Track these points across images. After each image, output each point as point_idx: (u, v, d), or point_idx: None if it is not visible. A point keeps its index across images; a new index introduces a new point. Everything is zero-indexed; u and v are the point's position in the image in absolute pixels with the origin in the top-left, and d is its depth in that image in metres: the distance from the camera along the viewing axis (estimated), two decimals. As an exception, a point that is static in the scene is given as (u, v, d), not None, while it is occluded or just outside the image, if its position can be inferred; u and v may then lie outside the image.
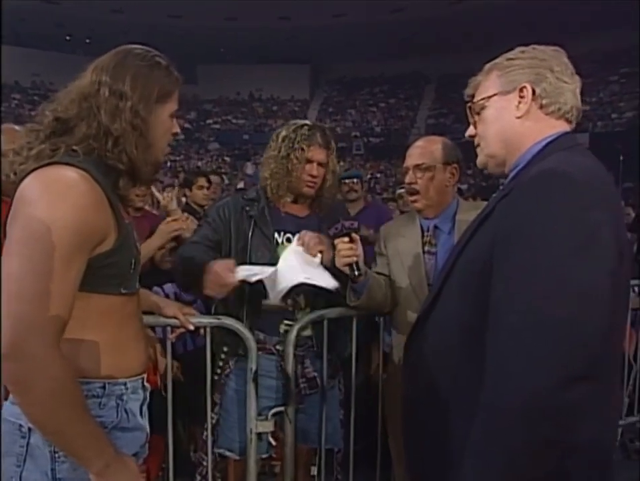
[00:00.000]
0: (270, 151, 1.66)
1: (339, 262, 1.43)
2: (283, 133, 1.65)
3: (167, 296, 2.32)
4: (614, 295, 0.78)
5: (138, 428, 1.01)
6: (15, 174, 0.90)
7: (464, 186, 11.49)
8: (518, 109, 0.98)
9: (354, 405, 1.77)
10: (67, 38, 23.27)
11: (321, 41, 22.32)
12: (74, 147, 0.90)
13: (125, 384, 0.97)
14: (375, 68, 24.65)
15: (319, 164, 1.63)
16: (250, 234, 1.61)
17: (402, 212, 3.78)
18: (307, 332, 1.62)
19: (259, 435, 1.52)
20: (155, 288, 2.26)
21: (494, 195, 1.06)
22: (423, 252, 1.62)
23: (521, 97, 0.98)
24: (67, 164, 0.87)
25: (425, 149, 1.62)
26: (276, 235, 1.63)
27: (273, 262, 1.54)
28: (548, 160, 0.90)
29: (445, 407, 0.97)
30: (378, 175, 17.16)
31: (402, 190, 3.96)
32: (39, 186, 0.84)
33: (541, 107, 0.97)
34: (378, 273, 1.68)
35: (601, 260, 0.78)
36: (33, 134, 0.93)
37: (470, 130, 1.08)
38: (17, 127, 1.68)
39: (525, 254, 0.81)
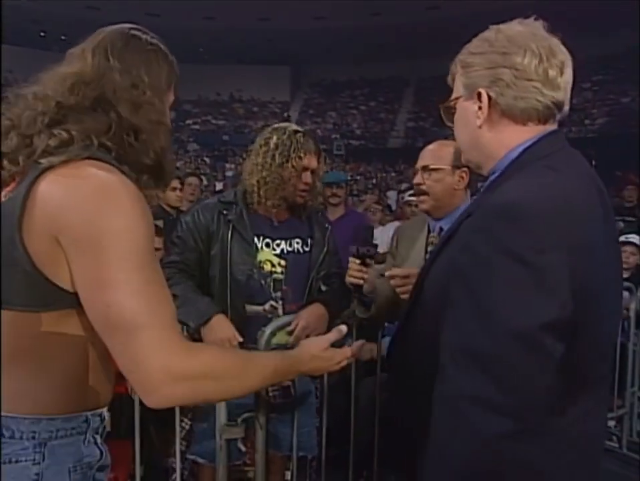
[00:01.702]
0: (258, 158, 1.60)
1: (347, 280, 1.51)
2: (274, 139, 1.59)
3: None
4: (559, 335, 0.74)
5: (108, 465, 0.89)
6: (11, 162, 0.77)
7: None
8: (478, 117, 0.88)
9: (326, 410, 1.76)
10: (42, 34, 22.76)
11: (301, 43, 22.32)
12: (93, 139, 0.77)
13: (101, 415, 0.86)
14: (355, 71, 24.76)
15: (312, 171, 1.62)
16: (229, 238, 1.58)
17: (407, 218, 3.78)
18: (283, 340, 1.60)
19: (228, 441, 1.50)
20: None
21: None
22: (427, 252, 1.65)
23: (479, 103, 0.87)
24: (91, 158, 0.75)
25: (435, 152, 1.65)
26: (255, 239, 1.61)
27: (253, 268, 1.54)
28: (509, 185, 0.81)
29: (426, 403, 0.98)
30: (358, 177, 17.21)
31: (411, 198, 3.95)
32: (87, 194, 0.72)
33: (502, 113, 0.86)
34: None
35: (545, 304, 0.74)
36: (24, 119, 0.78)
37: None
38: None
39: (468, 295, 0.78)
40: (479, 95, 0.87)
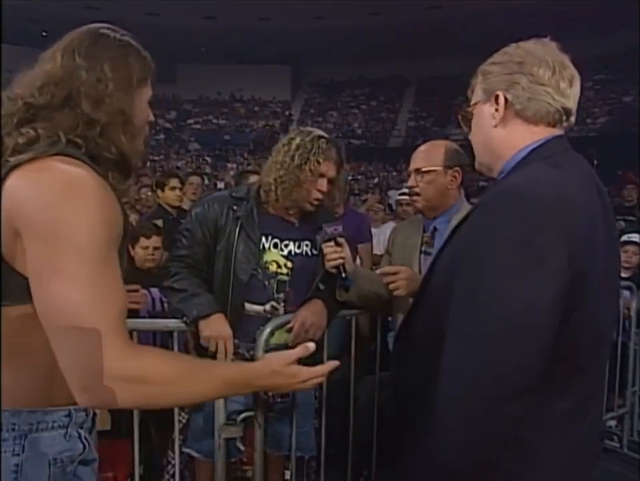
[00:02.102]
0: (278, 156, 1.59)
1: (327, 265, 1.52)
2: (297, 140, 1.58)
3: (153, 299, 2.32)
4: (555, 315, 0.80)
5: (95, 459, 0.90)
6: None
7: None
8: (494, 118, 0.97)
9: (325, 409, 1.76)
10: (43, 34, 22.79)
11: (302, 42, 22.31)
12: (61, 136, 0.79)
13: (85, 410, 0.86)
14: (355, 70, 24.75)
15: (329, 180, 1.59)
16: (235, 236, 1.57)
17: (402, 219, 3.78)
18: (282, 339, 1.60)
19: (227, 439, 1.50)
20: (143, 291, 2.24)
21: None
22: (421, 252, 1.67)
23: (496, 105, 0.97)
24: (59, 154, 0.76)
25: (426, 154, 1.67)
26: (263, 239, 1.59)
27: (257, 268, 1.54)
28: (515, 175, 0.91)
29: (411, 406, 1.00)
30: (359, 176, 17.21)
31: (401, 197, 3.97)
32: (48, 189, 0.73)
33: (517, 114, 0.95)
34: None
35: (545, 283, 0.79)
36: (7, 119, 0.81)
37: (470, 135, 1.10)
38: None
39: (472, 273, 0.84)
40: (496, 97, 0.96)
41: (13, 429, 0.77)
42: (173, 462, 1.64)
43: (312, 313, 1.57)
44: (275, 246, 1.60)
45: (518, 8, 16.92)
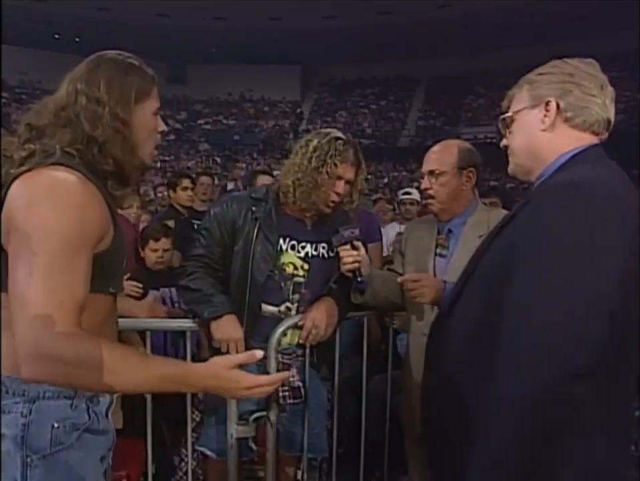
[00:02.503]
0: (296, 158, 1.58)
1: (343, 269, 1.53)
2: (315, 142, 1.57)
3: (163, 300, 2.33)
4: (623, 303, 0.84)
5: (107, 431, 1.00)
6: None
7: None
8: (543, 122, 1.03)
9: (337, 409, 1.76)
10: (56, 37, 23.03)
11: (311, 42, 22.32)
12: (57, 149, 0.90)
13: None
14: (365, 70, 24.70)
15: (346, 182, 1.58)
16: (254, 237, 1.57)
17: (408, 219, 3.77)
18: (294, 339, 1.60)
19: (239, 439, 1.50)
20: (152, 291, 2.25)
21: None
22: (435, 254, 1.65)
23: (546, 110, 1.02)
24: (55, 164, 0.88)
25: (439, 155, 1.66)
26: (280, 241, 1.59)
27: (274, 269, 1.54)
28: (569, 171, 0.96)
29: (460, 398, 1.03)
30: (369, 176, 17.19)
31: (404, 197, 3.95)
32: (32, 191, 0.85)
33: (566, 120, 1.01)
34: (392, 271, 1.79)
35: (611, 271, 0.84)
36: (10, 143, 0.95)
37: (504, 141, 1.15)
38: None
39: (539, 260, 0.87)
40: (547, 103, 1.02)
41: (23, 395, 0.90)
42: (186, 460, 1.65)
43: (323, 311, 1.57)
44: (292, 247, 1.60)
45: (529, 7, 16.79)
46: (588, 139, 1.02)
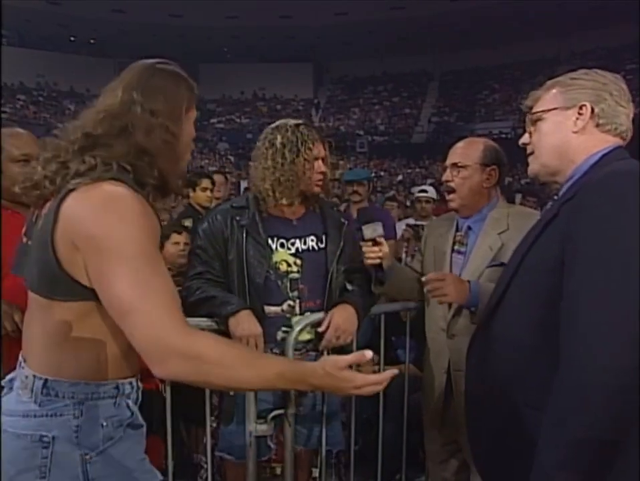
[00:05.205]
0: (267, 161, 1.59)
1: (365, 262, 1.60)
2: (279, 139, 1.59)
3: None
4: None
5: (143, 425, 1.05)
6: (51, 182, 0.93)
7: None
8: (576, 125, 1.07)
9: (354, 405, 1.76)
10: (72, 39, 23.37)
11: (323, 39, 22.32)
12: (110, 162, 0.93)
13: (131, 383, 1.00)
14: (378, 66, 24.62)
15: (322, 160, 1.62)
16: (243, 242, 1.58)
17: (424, 217, 3.76)
18: (304, 336, 1.60)
19: (258, 438, 1.51)
20: None
21: (551, 202, 1.15)
22: (453, 250, 1.65)
23: (580, 114, 1.06)
24: (113, 179, 0.91)
25: (464, 150, 1.67)
26: (269, 241, 1.61)
27: (270, 270, 1.55)
28: (610, 166, 0.99)
29: (516, 400, 1.03)
30: (382, 173, 17.12)
31: (420, 194, 3.91)
32: (99, 203, 0.88)
33: (597, 125, 1.06)
34: (410, 268, 1.83)
35: None
36: (62, 149, 0.96)
37: (525, 138, 1.16)
38: (21, 131, 1.66)
39: (602, 246, 0.89)
40: (582, 107, 1.06)
41: (72, 397, 0.93)
42: (205, 466, 1.66)
43: (344, 319, 1.57)
44: (282, 245, 1.62)
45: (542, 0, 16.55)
46: (613, 141, 1.07)
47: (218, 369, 0.86)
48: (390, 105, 24.61)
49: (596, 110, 1.05)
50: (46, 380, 0.92)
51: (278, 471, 2.18)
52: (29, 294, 0.97)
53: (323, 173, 1.61)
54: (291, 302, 1.60)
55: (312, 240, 1.66)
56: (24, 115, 21.73)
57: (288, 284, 1.61)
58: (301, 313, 1.61)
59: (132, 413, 1.00)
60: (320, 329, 1.55)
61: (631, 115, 1.09)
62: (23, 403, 0.93)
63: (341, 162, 18.73)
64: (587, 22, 18.10)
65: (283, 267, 1.61)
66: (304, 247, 1.64)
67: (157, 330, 0.84)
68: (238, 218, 1.60)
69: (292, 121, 1.63)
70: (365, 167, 16.06)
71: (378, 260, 1.56)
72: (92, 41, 22.63)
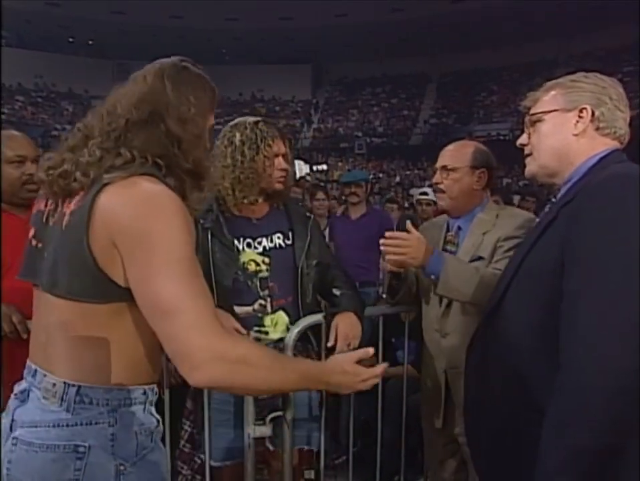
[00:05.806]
0: (226, 160, 1.57)
1: (386, 268, 1.64)
2: (238, 136, 1.57)
3: None
4: None
5: (161, 431, 1.02)
6: (84, 175, 0.88)
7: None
8: (576, 127, 1.07)
9: (353, 406, 1.76)
10: (71, 40, 23.35)
11: (322, 41, 22.35)
12: (146, 156, 0.91)
13: (153, 388, 0.98)
14: (376, 68, 24.67)
15: (283, 156, 1.61)
16: (209, 245, 1.56)
17: (425, 219, 3.77)
18: (275, 335, 1.59)
19: (256, 439, 1.51)
20: None
21: (550, 203, 1.15)
22: (444, 250, 1.66)
23: (580, 116, 1.07)
24: (146, 174, 0.89)
25: (454, 152, 1.68)
26: (235, 242, 1.59)
27: (238, 270, 1.54)
28: (609, 169, 1.00)
29: (515, 402, 1.04)
30: (380, 175, 17.13)
31: (421, 197, 3.96)
32: (139, 200, 0.85)
33: (597, 128, 1.07)
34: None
35: None
36: (104, 135, 0.92)
37: (523, 139, 1.16)
38: (16, 133, 1.66)
39: (601, 248, 0.90)
40: (582, 110, 1.07)
41: (107, 404, 0.89)
42: (183, 472, 1.63)
43: (350, 326, 1.57)
44: (249, 245, 1.60)
45: (541, 2, 16.59)
46: (612, 144, 1.08)
47: (259, 372, 0.85)
48: (388, 106, 24.66)
49: (596, 113, 1.06)
50: (79, 387, 0.88)
51: (266, 473, 2.17)
52: (44, 299, 0.91)
53: (284, 170, 1.59)
54: (262, 302, 1.59)
55: (278, 238, 1.64)
56: (22, 116, 21.72)
57: (258, 284, 1.59)
58: (273, 312, 1.60)
59: (158, 422, 0.97)
60: (329, 344, 1.54)
61: (628, 120, 1.10)
62: (52, 412, 0.87)
63: (340, 164, 18.77)
64: (586, 24, 18.15)
65: (252, 267, 1.60)
66: (271, 245, 1.63)
67: (199, 332, 0.81)
68: (202, 221, 1.57)
69: (251, 119, 1.61)
70: (363, 168, 16.06)
71: (401, 269, 1.59)
72: (91, 42, 22.61)
